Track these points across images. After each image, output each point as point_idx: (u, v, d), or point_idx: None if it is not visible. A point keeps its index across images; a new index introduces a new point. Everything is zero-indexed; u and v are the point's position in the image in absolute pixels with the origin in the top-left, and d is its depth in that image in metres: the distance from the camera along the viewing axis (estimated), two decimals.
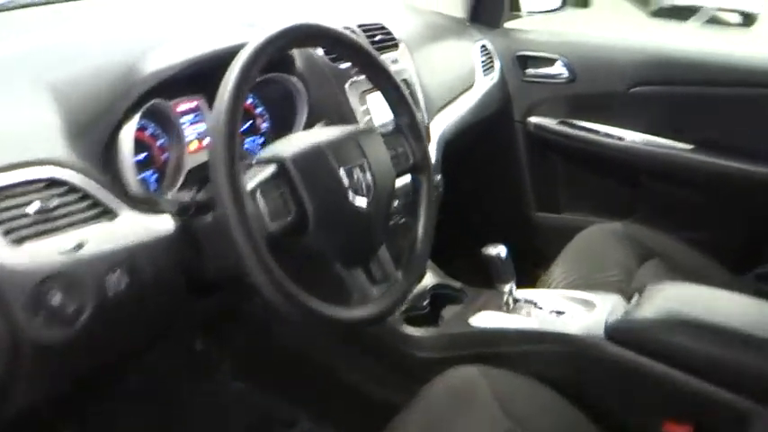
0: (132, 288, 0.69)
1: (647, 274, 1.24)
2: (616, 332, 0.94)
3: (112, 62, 0.82)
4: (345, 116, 1.05)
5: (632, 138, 1.64)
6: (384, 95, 0.89)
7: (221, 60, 0.79)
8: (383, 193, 0.81)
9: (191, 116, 0.92)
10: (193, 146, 0.92)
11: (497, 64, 1.73)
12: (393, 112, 0.90)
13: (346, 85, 1.07)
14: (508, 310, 1.07)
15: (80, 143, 0.72)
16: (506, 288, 1.07)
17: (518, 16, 1.90)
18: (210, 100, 0.93)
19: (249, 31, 0.99)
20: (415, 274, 0.87)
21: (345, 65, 1.08)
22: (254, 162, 0.74)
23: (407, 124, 0.90)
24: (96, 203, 0.69)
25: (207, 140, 0.93)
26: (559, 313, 1.04)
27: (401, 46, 1.27)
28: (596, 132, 1.67)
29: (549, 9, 1.87)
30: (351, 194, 0.77)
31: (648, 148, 1.62)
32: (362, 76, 1.10)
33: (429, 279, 1.20)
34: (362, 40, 1.10)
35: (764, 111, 1.49)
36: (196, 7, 1.14)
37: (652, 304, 0.96)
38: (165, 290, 0.75)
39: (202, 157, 0.92)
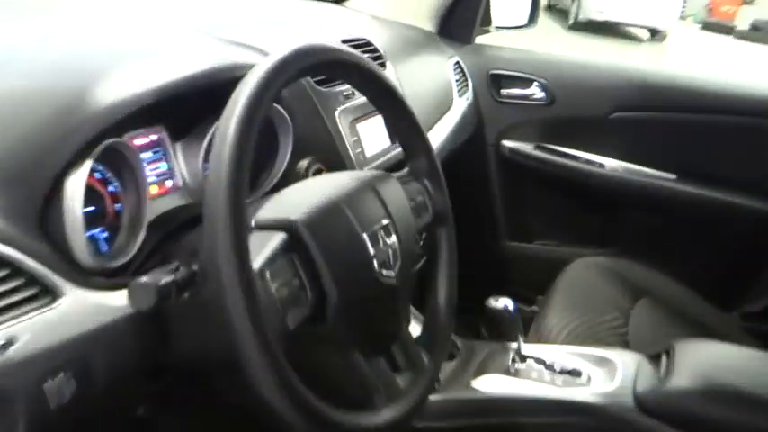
0: (80, 392, 0.53)
1: (642, 315, 1.20)
2: (649, 403, 0.84)
3: (57, 87, 0.61)
4: (336, 150, 0.89)
5: (612, 165, 1.57)
6: (398, 134, 0.74)
7: (192, 86, 0.65)
8: (409, 260, 0.66)
9: (149, 153, 0.73)
10: (153, 190, 0.73)
11: (470, 83, 1.61)
12: (407, 153, 0.75)
13: (336, 113, 0.91)
14: (517, 373, 0.95)
15: (8, 199, 0.54)
16: (514, 346, 0.96)
17: (486, 31, 1.79)
18: (174, 132, 0.75)
19: (227, 50, 0.82)
20: (443, 353, 0.73)
21: (334, 89, 0.92)
22: (252, 225, 0.56)
23: (426, 168, 0.75)
24: (32, 282, 0.52)
25: (170, 183, 0.75)
26: (573, 374, 0.93)
27: (388, 65, 1.11)
28: (575, 158, 1.59)
29: (519, 25, 1.78)
30: (377, 266, 0.60)
31: (629, 176, 1.55)
32: (351, 103, 0.94)
33: (414, 328, 1.06)
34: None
35: (751, 139, 1.45)
36: (161, 20, 0.93)
37: (687, 370, 0.86)
38: (121, 387, 0.59)
39: (165, 205, 0.73)
